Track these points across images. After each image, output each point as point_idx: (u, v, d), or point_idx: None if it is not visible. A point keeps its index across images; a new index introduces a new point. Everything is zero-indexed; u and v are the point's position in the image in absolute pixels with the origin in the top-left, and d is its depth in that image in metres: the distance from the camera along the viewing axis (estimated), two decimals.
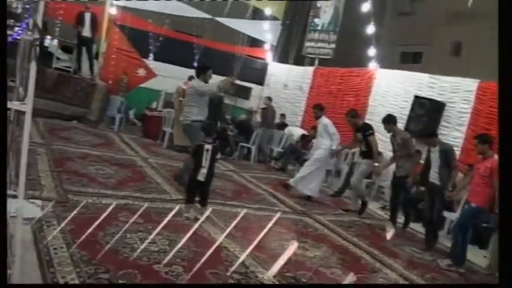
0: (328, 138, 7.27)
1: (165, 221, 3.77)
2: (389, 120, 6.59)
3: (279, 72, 13.89)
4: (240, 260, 3.90)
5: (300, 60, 13.57)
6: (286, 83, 13.22)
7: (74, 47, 10.41)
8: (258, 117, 12.31)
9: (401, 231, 6.48)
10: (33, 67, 2.10)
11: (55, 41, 10.79)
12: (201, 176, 4.89)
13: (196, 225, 4.04)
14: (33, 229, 3.64)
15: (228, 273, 3.76)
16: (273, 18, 14.03)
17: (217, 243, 3.86)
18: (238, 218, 3.77)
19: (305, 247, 4.97)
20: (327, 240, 5.43)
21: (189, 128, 6.28)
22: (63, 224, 3.82)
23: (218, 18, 13.23)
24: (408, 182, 6.41)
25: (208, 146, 4.94)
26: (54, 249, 3.41)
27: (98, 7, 10.71)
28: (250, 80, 14.19)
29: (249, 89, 14.08)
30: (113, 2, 11.19)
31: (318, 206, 7.05)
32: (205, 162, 4.88)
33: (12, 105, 2.10)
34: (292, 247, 4.09)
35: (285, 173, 9.64)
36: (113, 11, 11.20)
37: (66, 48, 10.83)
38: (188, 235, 3.77)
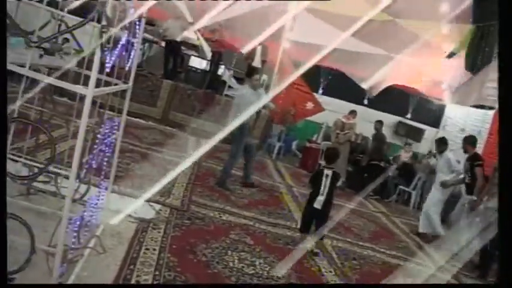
0: None
1: None
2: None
3: (456, 115, 12.54)
4: None
5: (480, 103, 12.00)
6: (463, 127, 11.84)
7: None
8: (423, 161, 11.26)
9: None
10: (97, 54, 2.14)
11: (231, 72, 11.66)
12: (318, 203, 4.52)
13: None
14: (137, 228, 3.78)
15: None
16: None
17: None
18: None
19: None
20: None
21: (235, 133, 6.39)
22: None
23: (393, 55, 12.64)
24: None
25: (328, 172, 4.57)
26: (146, 249, 3.47)
27: (273, 42, 11.23)
28: (424, 121, 13.12)
29: (421, 131, 12.99)
30: (288, 37, 11.63)
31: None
32: (324, 189, 4.50)
33: (75, 88, 2.16)
34: None
35: (446, 224, 8.48)
36: (286, 45, 11.63)
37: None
38: None
